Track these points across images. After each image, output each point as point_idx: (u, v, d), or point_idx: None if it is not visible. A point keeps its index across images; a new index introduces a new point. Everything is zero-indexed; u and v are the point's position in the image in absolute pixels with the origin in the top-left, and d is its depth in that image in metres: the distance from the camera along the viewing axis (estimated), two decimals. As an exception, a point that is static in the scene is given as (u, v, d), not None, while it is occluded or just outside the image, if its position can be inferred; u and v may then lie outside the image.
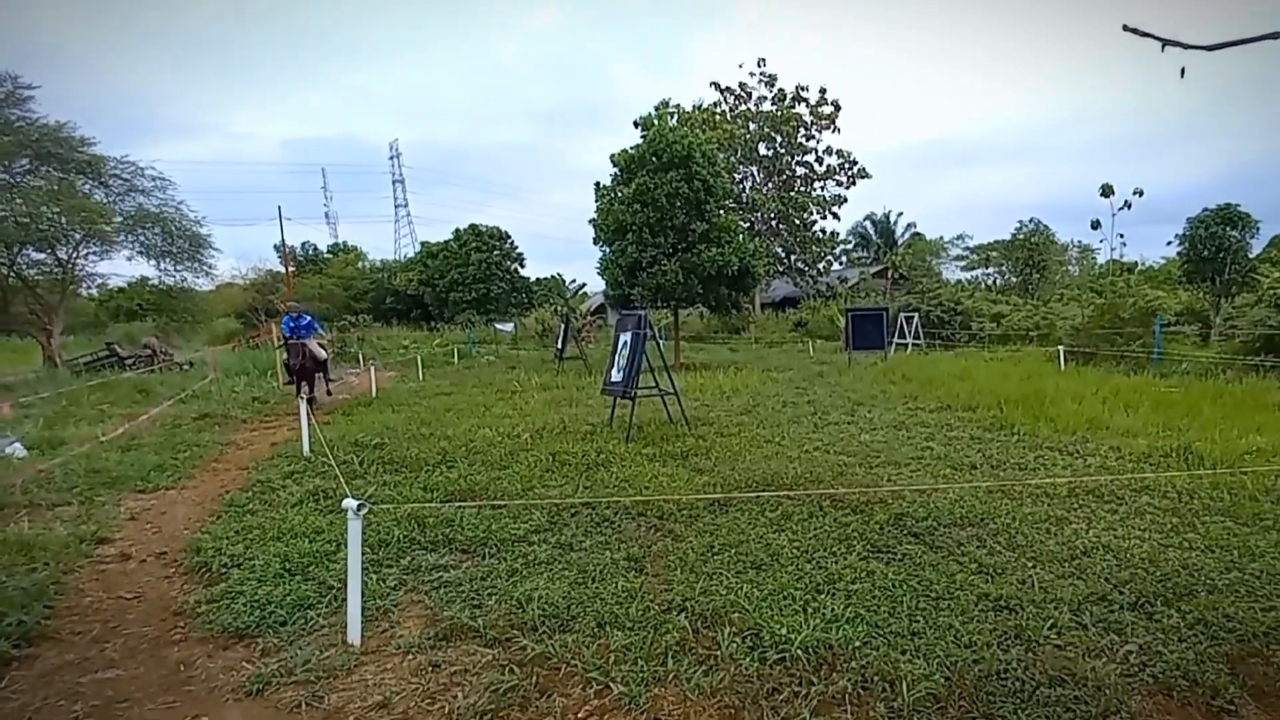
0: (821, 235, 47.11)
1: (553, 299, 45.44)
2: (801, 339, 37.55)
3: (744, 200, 44.67)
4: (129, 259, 27.19)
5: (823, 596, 5.47)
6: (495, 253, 47.21)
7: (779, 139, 46.02)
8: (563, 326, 25.74)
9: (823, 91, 45.85)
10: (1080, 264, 61.63)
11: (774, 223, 46.02)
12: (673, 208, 23.11)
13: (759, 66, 46.59)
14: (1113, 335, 22.45)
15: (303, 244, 67.45)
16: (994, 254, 57.15)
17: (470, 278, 46.01)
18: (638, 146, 24.11)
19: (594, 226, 25.05)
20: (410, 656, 4.70)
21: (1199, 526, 6.70)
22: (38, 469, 9.39)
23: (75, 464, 9.80)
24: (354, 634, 4.88)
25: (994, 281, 54.98)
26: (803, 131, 46.19)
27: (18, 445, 10.73)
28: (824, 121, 46.11)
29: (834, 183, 47.23)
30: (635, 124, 26.57)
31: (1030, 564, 5.98)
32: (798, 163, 46.85)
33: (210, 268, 28.50)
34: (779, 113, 45.55)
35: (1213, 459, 8.91)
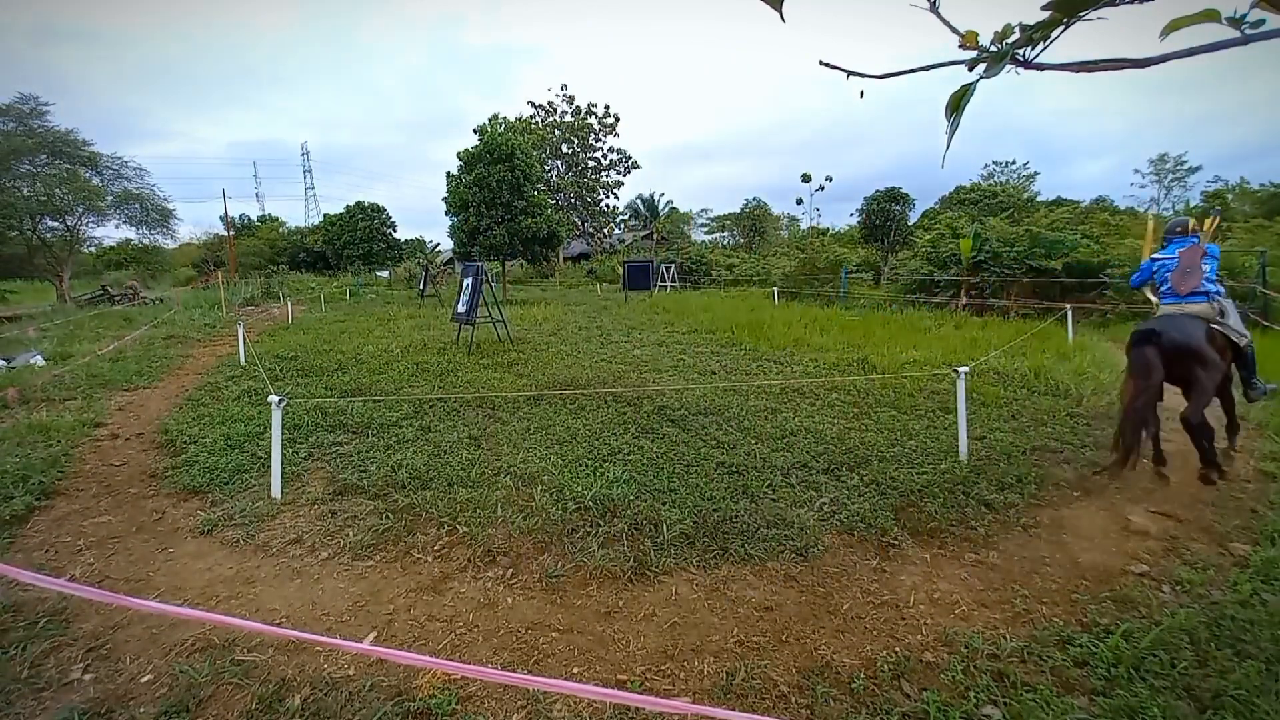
0: (606, 209, 53.31)
1: (416, 254, 49.89)
2: (592, 283, 38.44)
3: (551, 184, 48.00)
4: (117, 226, 30.32)
5: (607, 464, 5.71)
6: (375, 221, 51.23)
7: (576, 141, 50.70)
8: (424, 274, 27.51)
9: (607, 107, 51.27)
10: (789, 230, 65.70)
11: (572, 200, 50.64)
12: (501, 190, 25.89)
13: (562, 90, 52.29)
14: (812, 280, 24.02)
15: (239, 215, 70.61)
16: (728, 222, 60.47)
17: (358, 239, 49.79)
18: (476, 146, 26.43)
19: (446, 203, 27.39)
20: (315, 506, 5.08)
21: (872, 415, 7.16)
22: (53, 374, 9.92)
23: (79, 370, 10.24)
24: (276, 491, 5.30)
25: (728, 242, 57.81)
26: (593, 136, 51.68)
27: (39, 357, 11.81)
28: (608, 129, 51.17)
29: (615, 172, 52.52)
30: (475, 131, 28.17)
31: (754, 441, 6.27)
32: (589, 158, 52.88)
33: (174, 232, 31.73)
34: (576, 123, 50.64)
35: (882, 367, 9.61)
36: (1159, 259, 5.73)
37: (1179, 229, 5.71)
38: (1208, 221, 5.82)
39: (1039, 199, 42.45)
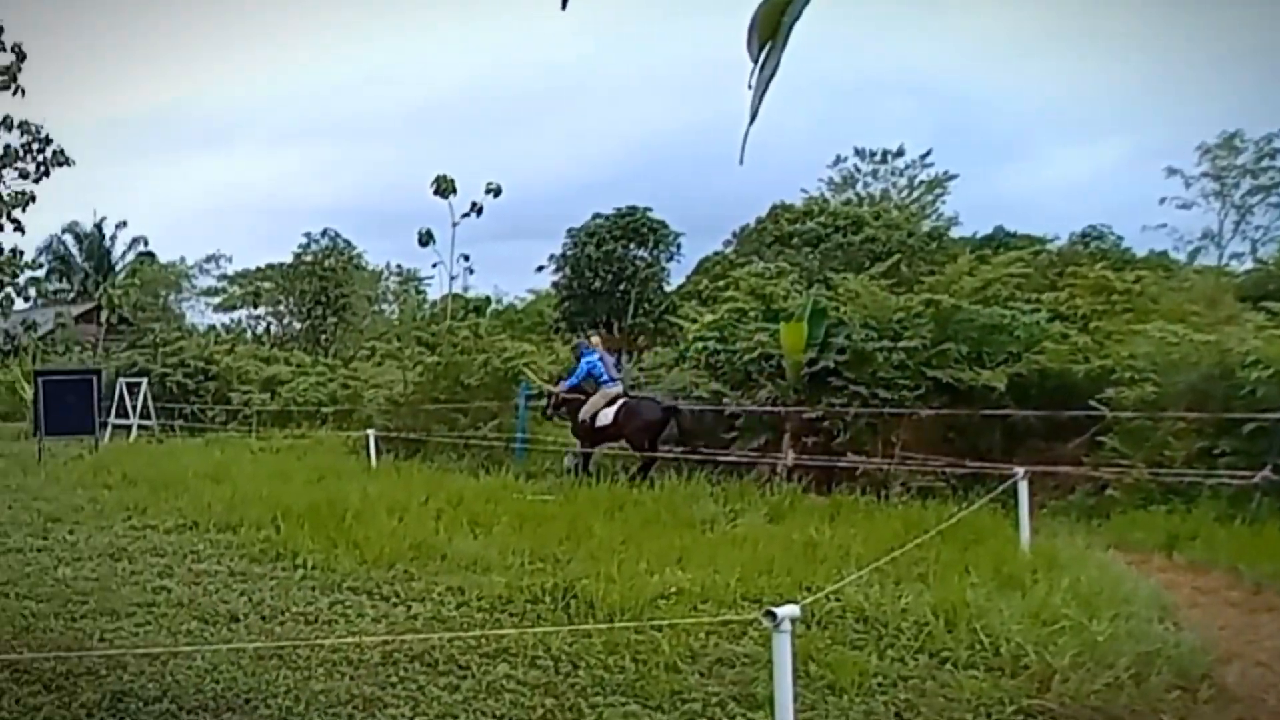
0: None
1: None
2: (-39, 418, 36.45)
3: None
4: None
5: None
6: None
7: None
8: None
9: None
10: (402, 301, 67.11)
11: None
12: None
13: (-105, -11, 48.05)
14: (453, 412, 25.09)
15: None
16: (267, 285, 59.61)
17: None
18: None
19: None
20: None
21: (588, 712, 7.43)
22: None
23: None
24: None
25: (268, 329, 57.70)
26: None
27: None
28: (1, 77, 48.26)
29: (16, 173, 49.11)
30: None
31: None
32: None
33: None
34: None
35: (609, 606, 9.94)
36: (591, 361, 20.51)
37: (591, 344, 21.99)
38: (597, 339, 23.01)
39: (955, 232, 46.72)
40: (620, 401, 19.84)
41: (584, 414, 19.90)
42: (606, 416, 19.67)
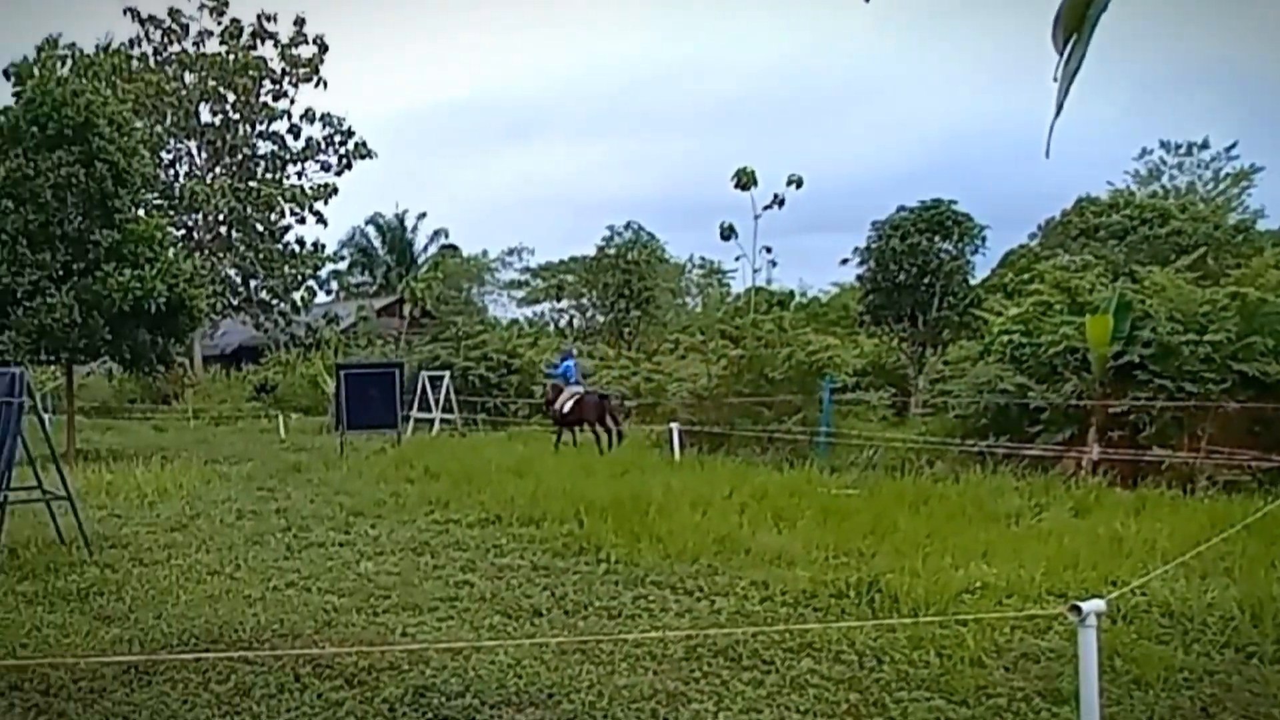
0: (299, 249, 49.51)
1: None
2: (268, 411, 38.56)
3: (177, 194, 47.41)
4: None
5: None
6: None
7: (232, 98, 49.12)
8: None
9: (300, 24, 49.59)
10: (705, 294, 67.32)
11: (224, 229, 49.33)
12: (65, 205, 25.40)
13: (203, -15, 48.84)
14: (757, 406, 25.10)
15: None
16: (570, 278, 60.24)
17: None
18: (10, 110, 25.65)
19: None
20: None
21: (892, 707, 7.34)
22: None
23: None
24: None
25: (571, 322, 58.28)
26: (269, 86, 49.90)
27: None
28: (302, 70, 48.71)
29: (318, 165, 49.21)
30: (6, 74, 27.86)
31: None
32: (261, 135, 49.82)
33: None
34: (233, 57, 48.70)
35: (913, 600, 9.89)
36: (568, 365, 30.40)
37: (569, 352, 32.88)
38: (575, 350, 34.32)
39: (1261, 225, 44.56)
40: (576, 395, 28.43)
41: (557, 403, 28.84)
42: (567, 405, 28.26)
